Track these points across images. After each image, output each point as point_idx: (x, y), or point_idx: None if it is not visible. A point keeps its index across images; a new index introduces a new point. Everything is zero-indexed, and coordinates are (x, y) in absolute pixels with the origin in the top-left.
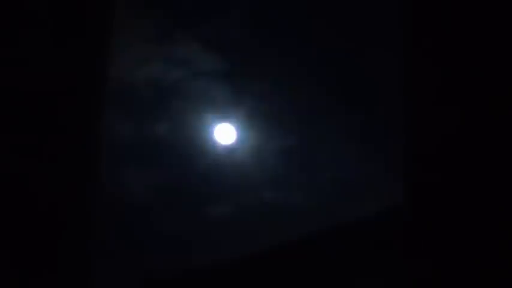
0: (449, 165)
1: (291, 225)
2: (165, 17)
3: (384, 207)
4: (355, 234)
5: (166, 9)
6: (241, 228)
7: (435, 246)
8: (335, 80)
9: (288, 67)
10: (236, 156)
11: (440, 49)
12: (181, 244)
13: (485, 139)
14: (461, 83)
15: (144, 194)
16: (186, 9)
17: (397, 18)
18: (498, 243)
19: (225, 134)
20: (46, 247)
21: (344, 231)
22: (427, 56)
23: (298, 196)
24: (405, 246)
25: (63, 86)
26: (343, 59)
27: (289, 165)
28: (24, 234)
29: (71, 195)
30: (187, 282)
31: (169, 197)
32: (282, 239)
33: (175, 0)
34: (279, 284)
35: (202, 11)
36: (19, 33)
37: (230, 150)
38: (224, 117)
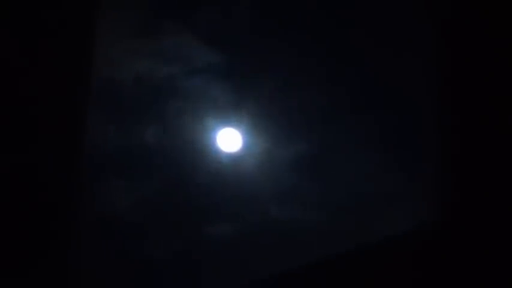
0: (491, 175)
1: (305, 247)
2: (154, 5)
3: (415, 225)
4: (380, 257)
5: None
6: (247, 251)
7: (475, 273)
8: (355, 78)
9: (300, 63)
10: (241, 165)
11: (475, 52)
12: (176, 269)
13: None
14: (500, 88)
15: (133, 209)
16: None
17: (421, 16)
18: None
19: (228, 140)
20: (23, 259)
21: (367, 253)
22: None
23: (314, 213)
24: (440, 272)
25: (42, 88)
26: (364, 54)
27: (303, 176)
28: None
29: (50, 211)
30: None
31: (162, 214)
32: (294, 263)
33: None
34: None
35: None
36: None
37: (234, 158)
38: (227, 121)
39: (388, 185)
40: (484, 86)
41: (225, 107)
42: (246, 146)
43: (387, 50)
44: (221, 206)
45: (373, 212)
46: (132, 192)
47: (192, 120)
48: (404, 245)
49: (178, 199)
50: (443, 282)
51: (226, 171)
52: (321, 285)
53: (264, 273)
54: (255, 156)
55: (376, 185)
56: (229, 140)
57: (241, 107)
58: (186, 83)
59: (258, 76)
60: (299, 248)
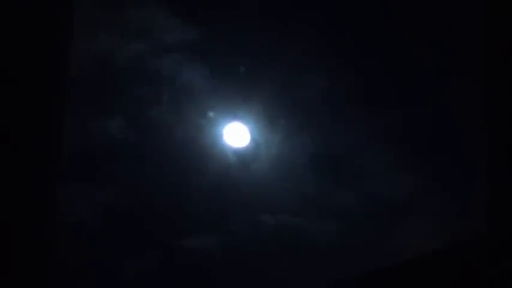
0: None
1: (319, 265)
2: None
3: (454, 240)
4: (410, 279)
5: None
6: (247, 273)
7: None
8: (380, 64)
9: (317, 42)
10: (246, 166)
11: None
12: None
13: None
14: None
15: (97, 218)
16: None
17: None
18: None
19: (232, 135)
20: None
21: (394, 274)
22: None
23: (331, 223)
24: None
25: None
26: (391, 35)
27: (319, 179)
28: None
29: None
30: None
31: (138, 224)
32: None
33: None
34: None
35: None
36: None
37: (240, 157)
38: (231, 115)
39: (422, 192)
40: None
41: (221, 97)
42: (254, 142)
43: (413, 33)
44: (211, 214)
45: (399, 223)
46: (97, 199)
47: (184, 113)
48: (436, 266)
49: (159, 206)
50: None
51: (228, 173)
52: None
53: None
54: (263, 156)
55: (404, 189)
56: (233, 135)
57: (249, 96)
58: (157, 64)
59: (268, 60)
60: (314, 268)
